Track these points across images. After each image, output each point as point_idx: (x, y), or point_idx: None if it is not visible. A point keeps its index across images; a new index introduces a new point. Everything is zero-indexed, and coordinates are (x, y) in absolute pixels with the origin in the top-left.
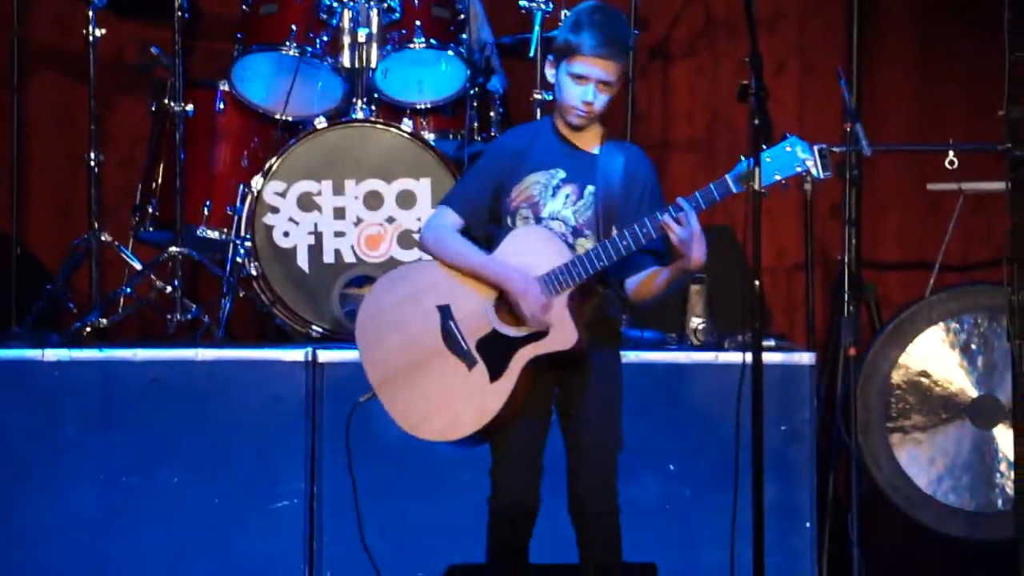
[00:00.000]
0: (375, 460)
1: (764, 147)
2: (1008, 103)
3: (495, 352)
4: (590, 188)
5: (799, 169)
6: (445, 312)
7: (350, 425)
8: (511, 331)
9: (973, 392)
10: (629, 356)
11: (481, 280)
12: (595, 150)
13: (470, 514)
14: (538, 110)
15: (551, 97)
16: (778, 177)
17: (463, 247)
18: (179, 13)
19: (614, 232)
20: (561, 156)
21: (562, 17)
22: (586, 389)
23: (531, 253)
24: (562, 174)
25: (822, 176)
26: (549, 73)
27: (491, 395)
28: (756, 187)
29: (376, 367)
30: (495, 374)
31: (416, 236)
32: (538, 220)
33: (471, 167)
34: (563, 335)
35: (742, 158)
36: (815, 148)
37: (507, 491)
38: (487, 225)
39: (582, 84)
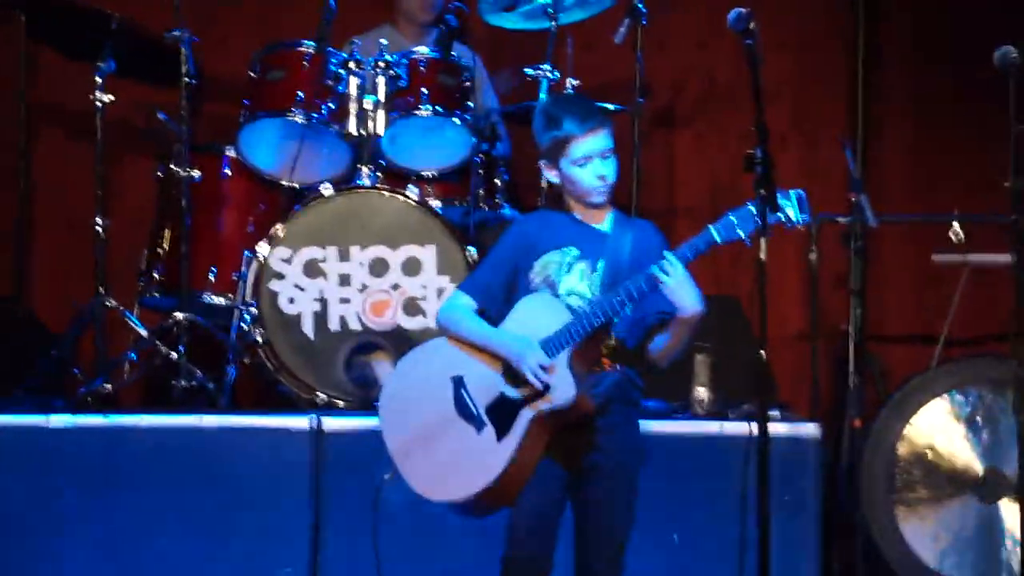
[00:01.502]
0: (383, 531)
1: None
2: (1014, 174)
3: (502, 414)
4: (602, 263)
5: (780, 215)
6: (458, 382)
7: (378, 505)
8: (515, 393)
9: (978, 466)
10: None
11: (488, 352)
12: (605, 227)
13: None
14: (543, 180)
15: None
16: (741, 233)
17: (472, 324)
18: (186, 79)
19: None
20: (574, 235)
21: (568, 86)
22: (600, 478)
23: (534, 319)
24: (575, 251)
25: (799, 220)
26: (551, 175)
27: (497, 453)
28: (762, 257)
29: (395, 440)
30: (501, 434)
31: (422, 303)
32: (556, 296)
33: (488, 255)
34: (562, 391)
35: (727, 213)
36: (793, 193)
37: (521, 553)
38: (503, 306)
39: (589, 164)
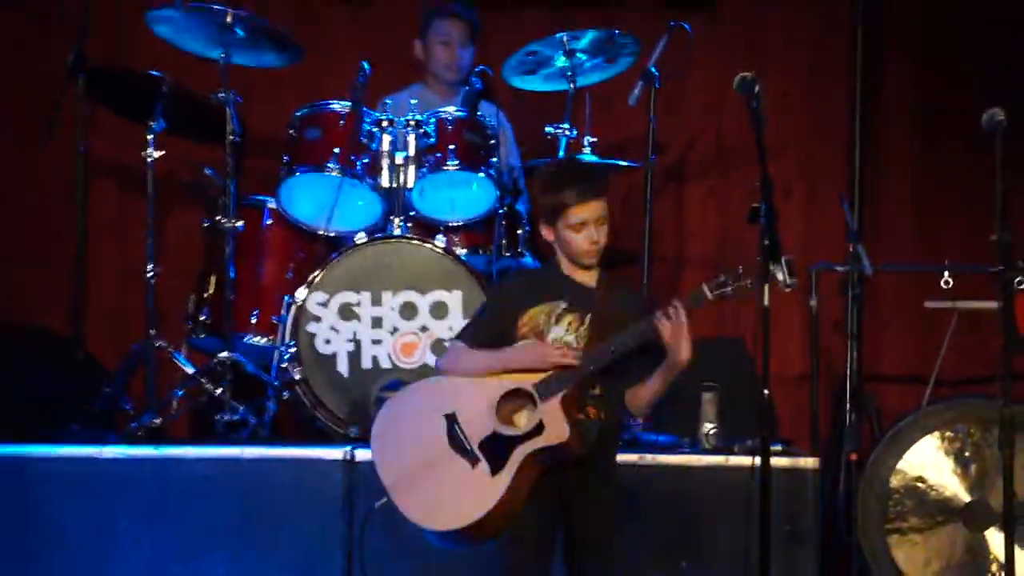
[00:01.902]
0: (405, 556)
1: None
2: (999, 228)
3: (495, 450)
4: (589, 316)
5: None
6: (451, 419)
7: (365, 528)
8: (509, 431)
9: (966, 497)
10: (647, 458)
11: (502, 373)
12: (594, 284)
13: None
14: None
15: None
16: (749, 283)
17: (478, 353)
18: (230, 136)
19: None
20: (563, 290)
21: (585, 143)
22: (587, 525)
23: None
24: (563, 304)
25: (789, 285)
26: (547, 235)
27: (491, 488)
28: (765, 303)
29: (389, 471)
30: (495, 469)
31: (448, 344)
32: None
33: (480, 307)
34: (556, 431)
35: (719, 273)
36: (784, 259)
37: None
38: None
39: (584, 230)
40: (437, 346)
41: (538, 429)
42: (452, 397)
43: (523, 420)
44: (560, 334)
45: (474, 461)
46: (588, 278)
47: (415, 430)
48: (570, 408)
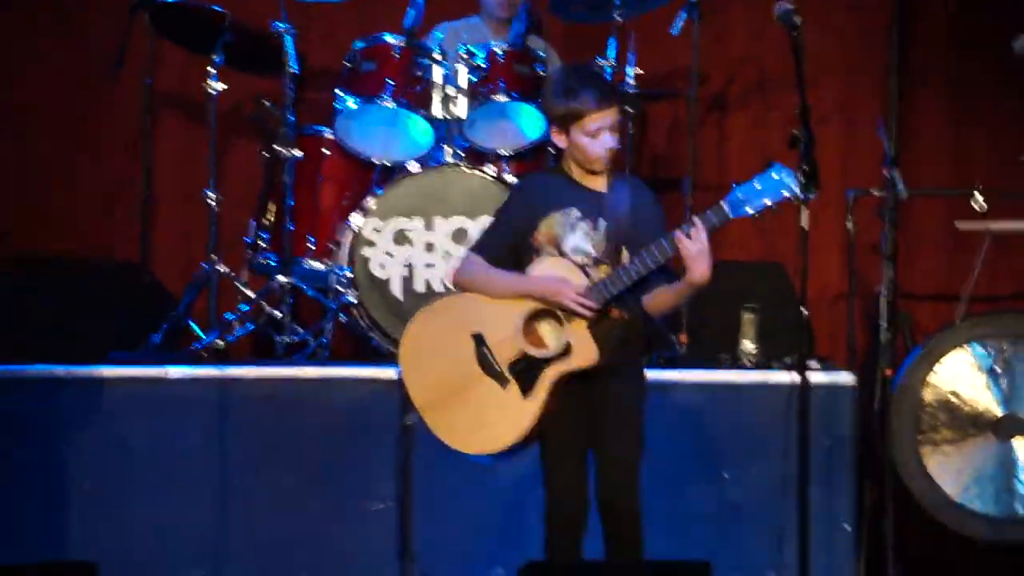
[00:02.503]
0: (455, 466)
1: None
2: None
3: (525, 372)
4: (603, 221)
5: (785, 193)
6: (479, 340)
7: (406, 440)
8: (539, 352)
9: (997, 410)
10: (688, 375)
11: (523, 297)
12: (603, 188)
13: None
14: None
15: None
16: (767, 202)
17: (497, 274)
18: (289, 68)
19: (625, 257)
20: (574, 197)
21: (628, 74)
22: (610, 405)
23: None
24: (577, 212)
25: (803, 197)
26: (559, 140)
27: (523, 411)
28: (804, 227)
29: (419, 392)
30: (526, 391)
31: (463, 255)
32: (561, 255)
33: (494, 219)
34: (585, 354)
35: (733, 186)
36: (797, 174)
37: (560, 498)
38: (510, 267)
39: (599, 137)
40: None
41: (567, 351)
42: (478, 317)
43: (550, 340)
44: (577, 242)
45: (504, 383)
46: (598, 183)
47: (443, 351)
48: (599, 327)
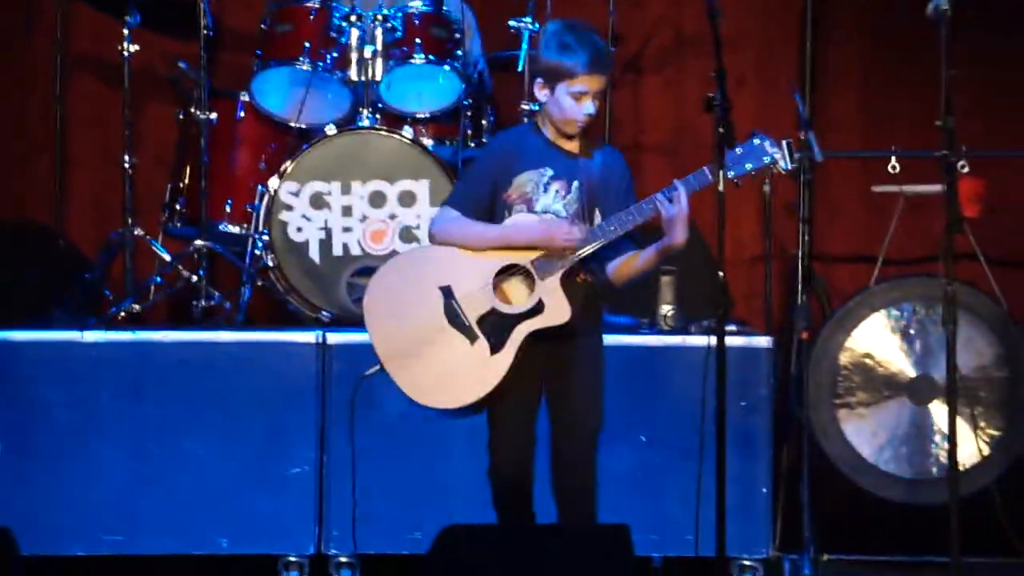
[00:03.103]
0: (379, 431)
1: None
2: (943, 114)
3: (495, 328)
4: (576, 183)
5: (767, 160)
6: (447, 292)
7: (355, 400)
8: (509, 308)
9: (911, 372)
10: (607, 339)
11: (501, 249)
12: (577, 151)
13: (468, 478)
14: (525, 120)
15: (537, 108)
16: (749, 166)
17: (478, 226)
18: (204, 31)
19: (598, 219)
20: (549, 157)
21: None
22: (572, 372)
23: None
24: (551, 172)
25: (789, 166)
26: (541, 94)
27: (491, 368)
28: (720, 188)
29: (384, 342)
30: (495, 348)
31: (416, 231)
32: (533, 213)
33: (467, 170)
34: (558, 311)
35: (717, 153)
36: (783, 142)
37: (504, 463)
38: (484, 218)
39: (583, 100)
40: (406, 233)
41: (538, 308)
42: (447, 269)
43: (521, 296)
44: (548, 203)
45: (472, 338)
46: (572, 145)
47: (410, 301)
48: (570, 285)
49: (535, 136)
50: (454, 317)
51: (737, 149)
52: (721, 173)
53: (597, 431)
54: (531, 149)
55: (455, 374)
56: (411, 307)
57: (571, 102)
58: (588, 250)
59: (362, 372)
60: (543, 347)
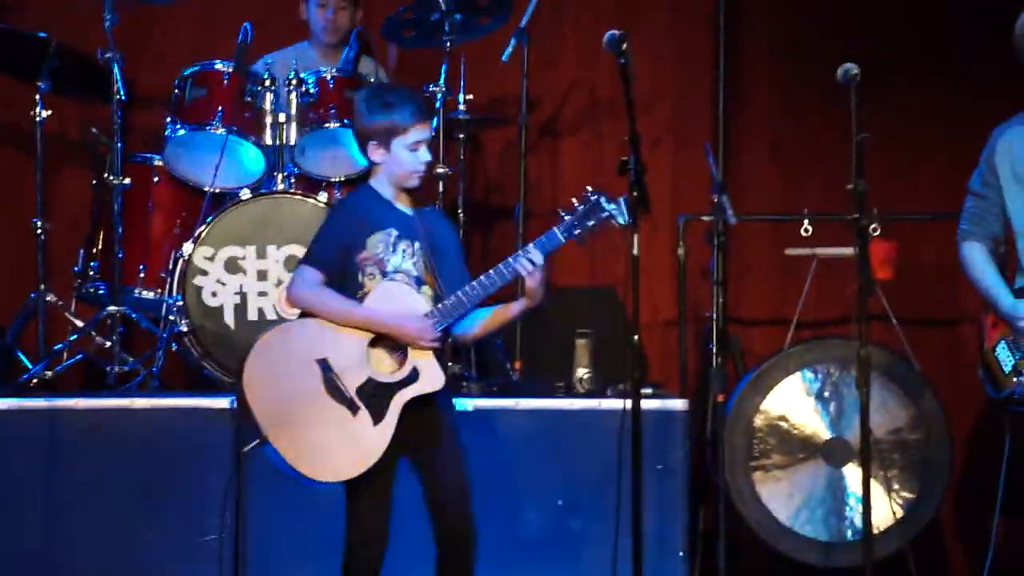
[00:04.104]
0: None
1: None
2: (855, 177)
3: (374, 397)
4: (416, 243)
5: (604, 215)
6: (324, 365)
7: (240, 470)
8: (386, 377)
9: (826, 434)
10: (522, 403)
11: (366, 329)
12: (410, 211)
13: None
14: (440, 183)
15: (450, 170)
16: (591, 223)
17: (341, 302)
18: (117, 95)
19: (439, 282)
20: (392, 218)
21: (460, 101)
22: (442, 433)
23: (397, 304)
24: (396, 231)
25: (624, 221)
26: (377, 155)
27: (375, 437)
28: (635, 252)
29: (266, 416)
30: (377, 417)
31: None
32: (384, 274)
33: (319, 233)
34: (433, 377)
35: (561, 213)
36: (619, 199)
37: (364, 534)
38: (339, 281)
39: (418, 149)
40: None
41: (414, 375)
42: (322, 341)
43: (393, 364)
44: (399, 262)
45: (355, 409)
46: (406, 202)
47: (288, 377)
48: (442, 349)
49: (375, 198)
50: (334, 390)
51: (579, 207)
52: (635, 237)
53: (470, 484)
54: (376, 211)
55: (341, 447)
56: (290, 382)
57: (408, 154)
58: (452, 322)
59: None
60: (408, 413)
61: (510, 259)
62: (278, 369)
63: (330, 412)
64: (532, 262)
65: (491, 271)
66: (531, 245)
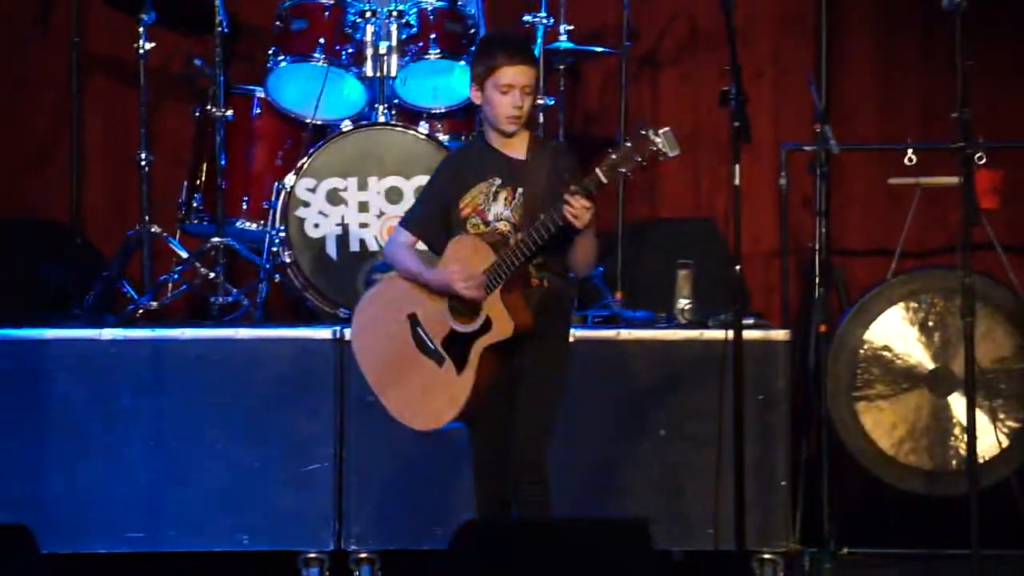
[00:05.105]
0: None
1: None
2: (960, 106)
3: (456, 347)
4: (520, 190)
5: (653, 149)
6: (413, 320)
7: (343, 401)
8: (464, 327)
9: (930, 364)
10: (624, 333)
11: (431, 289)
12: (523, 155)
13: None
14: (541, 114)
15: (546, 103)
16: (639, 158)
17: (410, 264)
18: (219, 28)
19: None
20: (495, 165)
21: (561, 31)
22: (525, 377)
23: (462, 261)
24: (499, 180)
25: (671, 154)
26: (476, 96)
27: (459, 385)
28: (736, 183)
29: (371, 373)
30: (460, 367)
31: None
32: (487, 223)
33: (423, 190)
34: (502, 327)
35: (608, 151)
36: (664, 130)
37: (479, 461)
38: (443, 236)
39: (509, 93)
40: None
41: (487, 325)
42: (412, 297)
43: (470, 316)
44: (499, 210)
45: (441, 360)
46: (517, 148)
47: (384, 333)
48: (511, 296)
49: (482, 146)
50: (422, 343)
51: (626, 143)
52: (737, 168)
53: (546, 432)
54: (479, 161)
55: (430, 396)
56: (386, 338)
57: (499, 96)
58: (516, 267)
59: None
60: (506, 358)
61: (552, 210)
62: (375, 326)
63: (420, 364)
64: (572, 206)
65: (537, 223)
66: (573, 187)
